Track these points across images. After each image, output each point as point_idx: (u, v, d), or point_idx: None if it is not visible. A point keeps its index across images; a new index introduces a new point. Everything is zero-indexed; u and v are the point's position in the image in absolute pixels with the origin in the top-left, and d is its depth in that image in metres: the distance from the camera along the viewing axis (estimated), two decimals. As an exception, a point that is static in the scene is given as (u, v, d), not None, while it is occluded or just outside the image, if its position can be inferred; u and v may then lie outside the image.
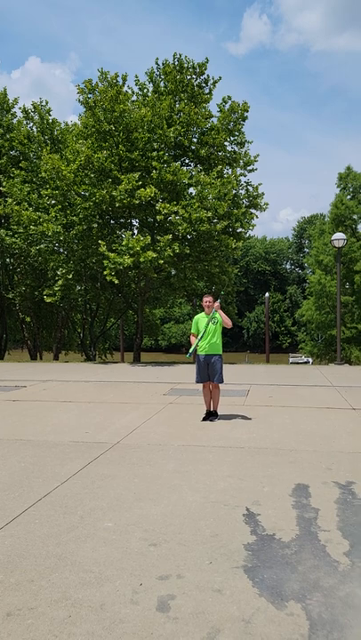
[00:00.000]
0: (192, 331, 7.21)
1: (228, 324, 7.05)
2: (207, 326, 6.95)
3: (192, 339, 7.15)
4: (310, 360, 37.81)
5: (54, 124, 21.81)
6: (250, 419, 7.07)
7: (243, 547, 3.22)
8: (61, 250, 18.34)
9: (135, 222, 19.11)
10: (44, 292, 17.67)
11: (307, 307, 32.95)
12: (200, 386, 7.29)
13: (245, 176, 19.43)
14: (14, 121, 22.75)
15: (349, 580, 2.82)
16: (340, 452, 5.35)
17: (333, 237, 17.92)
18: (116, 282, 15.58)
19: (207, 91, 18.81)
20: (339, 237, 17.60)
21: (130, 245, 15.00)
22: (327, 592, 2.71)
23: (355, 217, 29.62)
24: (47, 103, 22.03)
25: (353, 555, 3.12)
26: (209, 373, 7.01)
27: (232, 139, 18.95)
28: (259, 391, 9.64)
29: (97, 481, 4.49)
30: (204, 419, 6.99)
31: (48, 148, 19.42)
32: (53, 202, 17.80)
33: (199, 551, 3.16)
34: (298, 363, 38.20)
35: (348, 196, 30.10)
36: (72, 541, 3.32)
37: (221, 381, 7.05)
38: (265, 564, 2.99)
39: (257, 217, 18.96)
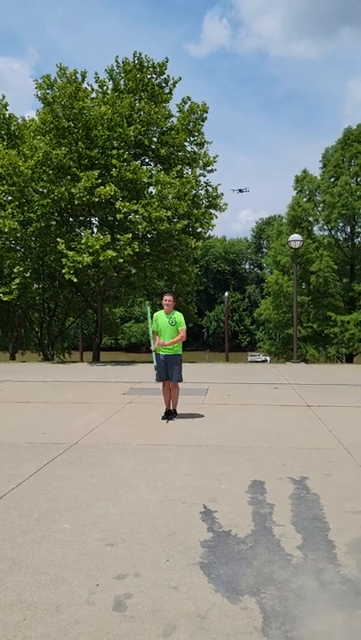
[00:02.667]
0: (153, 328, 7.20)
1: (181, 338, 7.06)
2: (168, 325, 7.01)
3: (156, 338, 7.15)
4: (268, 358, 38.45)
5: (11, 119, 21.23)
6: (208, 417, 7.14)
7: (199, 544, 3.26)
8: (18, 247, 17.92)
9: (95, 220, 18.88)
10: (0, 291, 17.22)
11: (265, 306, 33.41)
12: (159, 385, 7.32)
13: (205, 176, 19.56)
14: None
15: (302, 573, 2.91)
16: (295, 449, 5.49)
17: (290, 239, 18.27)
18: (75, 280, 15.37)
19: (167, 90, 18.83)
20: (295, 239, 17.98)
21: (89, 244, 14.84)
22: (281, 585, 2.78)
23: (310, 219, 30.24)
24: (4, 97, 21.45)
25: (306, 548, 3.22)
26: (167, 372, 7.06)
27: (192, 139, 19.05)
28: (218, 390, 9.75)
29: (54, 482, 4.44)
30: (164, 418, 7.02)
31: (5, 143, 18.91)
32: (10, 198, 17.34)
33: (156, 549, 3.18)
34: (256, 361, 38.83)
35: (305, 199, 30.69)
36: (27, 544, 3.28)
37: (180, 380, 7.10)
38: (221, 560, 3.04)
39: (216, 217, 19.15)
